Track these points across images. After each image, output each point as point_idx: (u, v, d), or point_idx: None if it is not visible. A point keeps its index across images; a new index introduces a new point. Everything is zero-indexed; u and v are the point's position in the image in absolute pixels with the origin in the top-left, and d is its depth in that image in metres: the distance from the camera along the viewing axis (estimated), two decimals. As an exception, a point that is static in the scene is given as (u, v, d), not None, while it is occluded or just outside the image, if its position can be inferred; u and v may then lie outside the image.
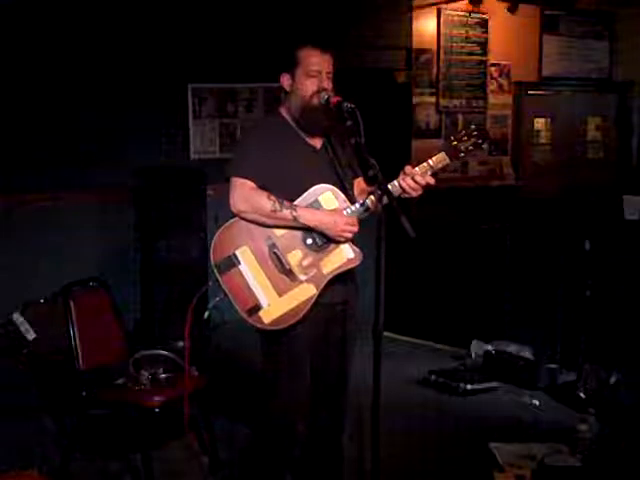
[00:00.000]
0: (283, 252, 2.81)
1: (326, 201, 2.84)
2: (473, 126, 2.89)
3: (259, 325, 2.78)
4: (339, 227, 2.78)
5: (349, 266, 2.86)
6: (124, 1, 5.92)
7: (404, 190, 2.78)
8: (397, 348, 5.84)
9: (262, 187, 2.81)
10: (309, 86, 2.85)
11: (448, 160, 2.84)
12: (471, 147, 2.85)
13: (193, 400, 3.48)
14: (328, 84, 2.87)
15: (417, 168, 2.81)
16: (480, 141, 2.86)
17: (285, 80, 2.92)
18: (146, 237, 6.02)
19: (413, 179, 2.77)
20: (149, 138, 6.10)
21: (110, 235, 6.07)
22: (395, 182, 2.79)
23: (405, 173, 2.79)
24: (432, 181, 2.80)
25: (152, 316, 5.93)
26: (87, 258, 5.80)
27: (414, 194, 2.80)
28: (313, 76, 2.85)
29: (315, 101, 2.84)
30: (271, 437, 2.97)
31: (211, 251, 2.80)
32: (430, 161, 2.82)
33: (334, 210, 2.83)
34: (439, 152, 2.85)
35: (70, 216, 5.90)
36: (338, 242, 2.82)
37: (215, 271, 2.79)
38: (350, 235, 2.81)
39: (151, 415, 3.50)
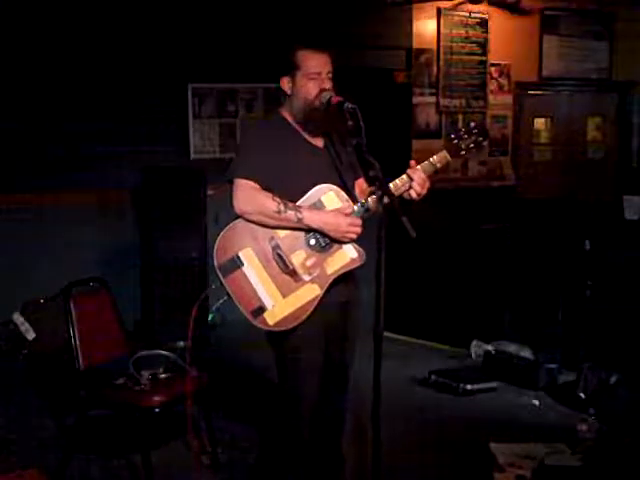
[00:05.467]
0: (286, 253, 2.80)
1: (329, 201, 2.84)
2: (473, 124, 2.91)
3: (264, 327, 2.78)
4: (343, 228, 2.78)
5: (352, 266, 2.86)
6: (125, 1, 5.92)
7: (413, 189, 2.79)
8: (397, 348, 5.83)
9: (265, 188, 2.81)
10: (311, 88, 2.85)
11: (449, 158, 2.87)
12: (472, 145, 2.89)
13: (193, 400, 3.48)
14: (329, 84, 2.87)
15: (419, 166, 2.82)
16: (481, 138, 2.89)
17: (285, 83, 2.92)
18: (146, 237, 6.02)
19: (416, 180, 2.79)
20: (149, 138, 6.10)
21: (110, 235, 6.07)
22: (397, 180, 2.80)
23: (410, 170, 2.81)
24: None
25: (152, 316, 5.92)
26: (87, 258, 5.80)
27: (419, 190, 2.80)
28: (314, 78, 2.85)
29: (318, 102, 2.84)
30: (279, 438, 2.98)
31: (214, 253, 2.79)
32: (432, 159, 2.84)
33: (337, 210, 2.82)
34: (441, 150, 2.87)
35: (70, 216, 5.90)
36: (342, 243, 2.83)
37: (219, 273, 2.78)
38: (354, 236, 2.81)
39: (151, 415, 3.50)
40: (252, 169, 2.81)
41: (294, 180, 2.83)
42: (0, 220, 5.69)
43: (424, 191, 2.82)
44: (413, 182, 2.79)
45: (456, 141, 2.87)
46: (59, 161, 5.83)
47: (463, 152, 2.88)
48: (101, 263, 5.87)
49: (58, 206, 5.87)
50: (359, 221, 2.81)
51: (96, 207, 6.05)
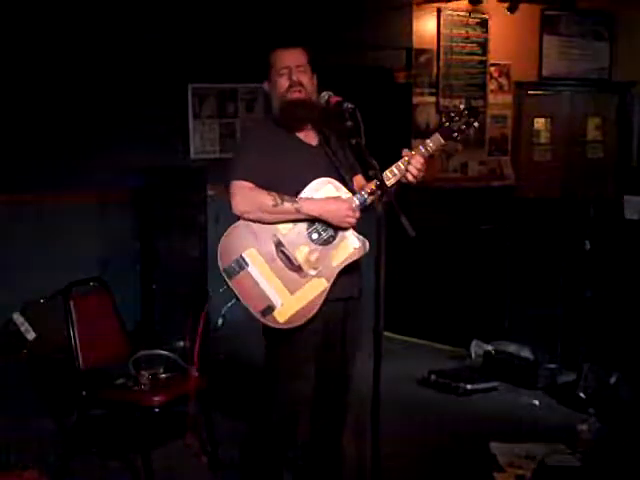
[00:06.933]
0: (290, 249, 2.80)
1: (327, 194, 2.85)
2: (463, 106, 2.92)
3: (274, 325, 2.77)
4: (342, 212, 2.79)
5: (357, 256, 2.86)
6: (125, 1, 5.92)
7: (409, 172, 2.80)
8: (397, 348, 5.83)
9: (262, 188, 2.81)
10: (282, 83, 2.90)
11: (442, 141, 2.87)
12: (464, 126, 2.88)
13: (194, 400, 3.48)
14: (302, 77, 2.89)
15: (414, 151, 2.84)
16: (472, 119, 2.88)
17: (266, 85, 2.99)
18: (146, 237, 6.02)
19: (413, 164, 2.80)
20: (149, 138, 6.10)
21: (110, 235, 6.07)
22: (393, 167, 2.80)
23: (405, 157, 2.82)
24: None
25: (152, 316, 5.92)
26: (87, 258, 5.80)
27: (416, 172, 2.81)
28: (283, 74, 2.90)
29: (290, 96, 2.88)
30: (269, 436, 2.98)
31: (218, 257, 2.79)
32: (426, 143, 2.85)
33: (334, 197, 2.83)
34: (433, 134, 2.87)
35: (70, 216, 5.90)
36: (343, 229, 2.83)
37: (224, 276, 2.78)
38: (353, 220, 2.81)
39: (151, 415, 3.50)
40: (248, 170, 2.83)
41: (292, 179, 2.84)
42: (0, 220, 5.69)
43: (421, 174, 2.83)
44: (410, 166, 2.80)
45: (448, 124, 2.88)
46: (59, 161, 5.82)
47: (455, 134, 2.88)
48: (101, 263, 5.87)
49: (58, 206, 5.87)
50: (355, 205, 2.81)
51: (96, 207, 6.05)
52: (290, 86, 2.88)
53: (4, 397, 4.64)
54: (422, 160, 2.82)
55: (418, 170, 2.81)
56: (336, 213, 2.79)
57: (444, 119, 2.91)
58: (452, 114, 2.89)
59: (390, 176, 2.79)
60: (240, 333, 3.85)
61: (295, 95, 2.88)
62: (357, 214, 2.81)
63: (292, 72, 2.89)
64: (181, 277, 5.81)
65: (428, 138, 2.86)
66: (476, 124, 2.90)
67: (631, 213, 5.27)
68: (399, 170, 2.81)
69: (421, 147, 2.84)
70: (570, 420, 4.22)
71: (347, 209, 2.79)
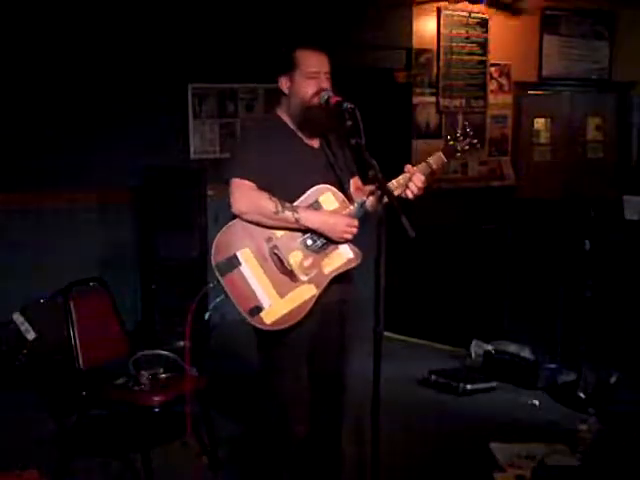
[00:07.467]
0: (284, 253, 2.81)
1: (326, 202, 2.86)
2: (468, 127, 2.95)
3: (261, 326, 2.78)
4: (340, 228, 2.80)
5: (349, 266, 2.87)
6: (124, 1, 5.92)
7: (409, 189, 2.81)
8: (397, 348, 5.83)
9: (262, 188, 2.81)
10: (309, 87, 2.86)
11: (445, 160, 2.91)
12: (467, 147, 2.94)
13: (193, 400, 3.48)
14: (328, 84, 2.89)
15: (416, 167, 2.86)
16: (475, 140, 2.94)
17: (284, 83, 2.93)
18: (146, 237, 6.02)
19: (414, 181, 2.81)
20: (149, 138, 6.09)
21: (110, 235, 6.06)
22: (394, 181, 2.81)
23: (408, 172, 2.83)
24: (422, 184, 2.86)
25: (152, 316, 5.92)
26: (87, 258, 5.79)
27: (416, 191, 2.83)
28: (312, 77, 2.87)
29: (315, 101, 2.86)
30: (268, 438, 2.98)
31: (212, 252, 2.80)
32: (428, 160, 2.88)
33: (334, 211, 2.84)
34: (436, 152, 2.91)
35: (70, 216, 5.90)
36: (338, 243, 2.84)
37: (216, 272, 2.79)
38: (350, 237, 2.83)
39: (151, 415, 3.50)
40: (249, 169, 2.82)
41: (291, 181, 2.84)
42: (0, 220, 5.69)
43: (421, 192, 2.85)
44: (411, 182, 2.82)
45: (452, 142, 2.91)
46: (59, 160, 5.82)
47: (459, 154, 2.93)
48: (101, 263, 5.87)
49: (58, 206, 5.87)
50: (356, 222, 2.83)
51: (96, 207, 6.05)
52: (317, 93, 2.85)
53: (4, 397, 4.64)
54: (423, 178, 2.84)
55: (419, 188, 2.83)
56: (334, 228, 2.79)
57: (449, 137, 2.95)
58: (457, 133, 2.93)
59: (391, 188, 2.79)
60: (238, 332, 3.84)
61: (319, 101, 2.85)
62: (355, 230, 2.82)
63: (321, 78, 2.87)
64: (181, 277, 5.81)
65: (431, 156, 2.89)
66: (478, 145, 2.96)
67: (631, 213, 5.27)
68: (399, 185, 2.82)
69: (423, 164, 2.86)
70: (570, 420, 4.22)
71: (345, 225, 2.80)
